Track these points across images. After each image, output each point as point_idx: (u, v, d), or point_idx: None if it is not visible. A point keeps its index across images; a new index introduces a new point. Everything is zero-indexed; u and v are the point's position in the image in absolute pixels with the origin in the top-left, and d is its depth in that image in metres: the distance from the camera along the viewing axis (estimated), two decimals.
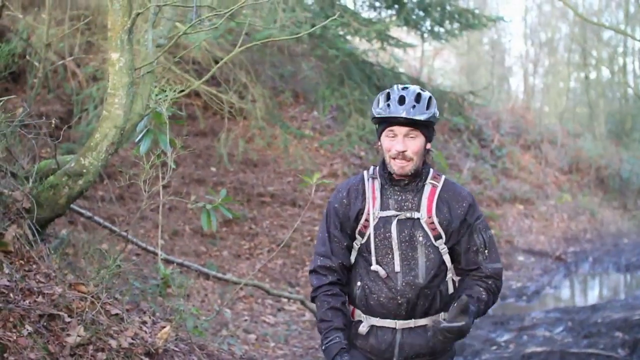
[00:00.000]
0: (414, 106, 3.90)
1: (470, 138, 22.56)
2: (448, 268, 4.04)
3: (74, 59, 13.30)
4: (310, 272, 4.17)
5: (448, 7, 15.58)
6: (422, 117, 3.89)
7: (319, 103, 15.31)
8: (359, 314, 4.08)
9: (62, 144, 11.11)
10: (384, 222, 3.97)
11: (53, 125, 5.85)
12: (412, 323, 4.00)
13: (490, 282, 4.06)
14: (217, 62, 13.58)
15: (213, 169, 14.54)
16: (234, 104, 14.17)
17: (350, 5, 16.22)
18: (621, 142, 32.61)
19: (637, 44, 34.84)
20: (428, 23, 16.03)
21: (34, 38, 12.15)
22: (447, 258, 4.02)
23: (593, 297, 15.84)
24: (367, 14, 16.42)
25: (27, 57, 11.86)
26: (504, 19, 16.95)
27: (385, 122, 3.97)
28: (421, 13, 15.77)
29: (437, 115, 4.01)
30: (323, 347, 4.05)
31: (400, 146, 3.91)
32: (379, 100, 4.02)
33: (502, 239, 17.95)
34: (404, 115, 3.87)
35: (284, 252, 12.42)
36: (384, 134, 3.98)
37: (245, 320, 9.85)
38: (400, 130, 3.92)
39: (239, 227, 13.14)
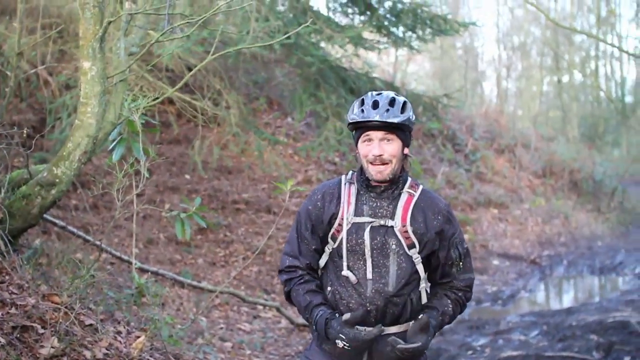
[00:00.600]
0: (387, 110, 3.91)
1: (444, 143, 22.61)
2: (421, 277, 4.04)
3: (46, 68, 13.22)
4: (280, 271, 4.17)
5: (420, 13, 15.60)
6: (395, 120, 3.89)
7: (295, 108, 15.29)
8: None
9: (34, 153, 11.07)
10: (357, 228, 3.96)
11: (25, 135, 5.81)
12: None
13: (460, 294, 4.13)
14: (190, 70, 13.55)
15: (187, 176, 14.49)
16: (208, 111, 14.14)
17: (323, 12, 16.22)
18: (594, 145, 32.87)
19: (609, 48, 35.12)
20: (400, 29, 16.05)
21: (6, 47, 12.08)
22: (420, 267, 4.00)
23: (568, 300, 15.89)
24: (339, 20, 16.43)
25: None
26: (476, 24, 16.96)
27: (361, 128, 3.97)
28: (393, 19, 15.79)
29: (413, 119, 4.02)
30: (313, 326, 4.01)
31: (377, 150, 3.90)
32: (353, 107, 4.02)
33: (476, 243, 18.00)
34: (377, 118, 3.87)
35: (259, 260, 12.39)
36: (360, 140, 3.99)
37: (221, 328, 9.81)
38: (376, 134, 3.92)
39: (214, 235, 13.10)
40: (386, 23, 15.68)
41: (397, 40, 16.08)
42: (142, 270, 9.56)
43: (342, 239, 3.98)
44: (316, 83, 14.50)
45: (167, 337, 6.29)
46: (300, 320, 10.54)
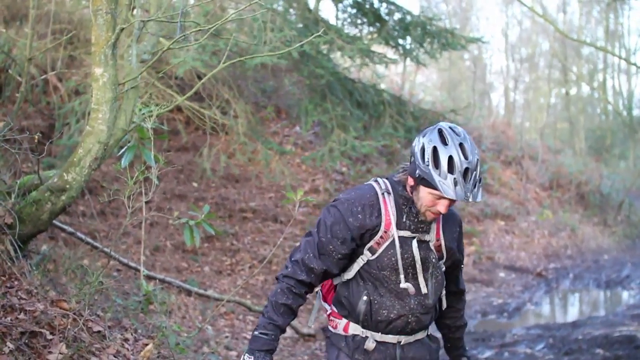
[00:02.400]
0: (475, 185, 3.76)
1: None
2: (443, 285, 4.14)
3: (56, 74, 13.24)
4: (292, 260, 4.07)
5: (428, 27, 15.62)
6: (478, 200, 3.81)
7: (302, 118, 15.30)
8: (355, 328, 4.04)
9: (43, 158, 11.08)
10: (402, 242, 3.93)
11: (36, 140, 5.81)
12: (412, 338, 4.06)
13: (461, 306, 4.40)
14: (200, 78, 13.58)
15: (195, 184, 14.50)
16: (216, 119, 14.16)
17: (333, 23, 16.24)
18: (601, 158, 32.82)
19: (617, 61, 35.10)
20: (408, 42, 16.07)
21: (16, 52, 12.11)
22: (444, 277, 4.13)
23: (574, 313, 15.86)
24: (348, 31, 16.45)
25: (9, 71, 11.81)
26: (483, 39, 16.96)
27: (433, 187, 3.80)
28: (402, 32, 15.81)
29: None
30: (255, 332, 3.96)
31: (444, 209, 3.83)
32: (438, 162, 3.75)
33: (483, 255, 17.98)
34: (470, 200, 3.74)
35: (266, 269, 12.39)
36: (428, 189, 3.80)
37: (227, 337, 9.80)
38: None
39: (221, 243, 13.10)
40: (395, 35, 15.70)
41: (405, 53, 16.10)
42: (149, 278, 9.56)
43: (386, 251, 3.92)
44: (322, 94, 14.51)
45: (174, 345, 6.29)
46: (305, 330, 10.53)
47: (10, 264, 5.34)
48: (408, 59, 17.22)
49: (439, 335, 4.35)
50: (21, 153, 6.32)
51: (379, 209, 3.96)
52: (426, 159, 3.76)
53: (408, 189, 3.94)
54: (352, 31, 16.65)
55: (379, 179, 4.10)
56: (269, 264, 12.27)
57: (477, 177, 3.75)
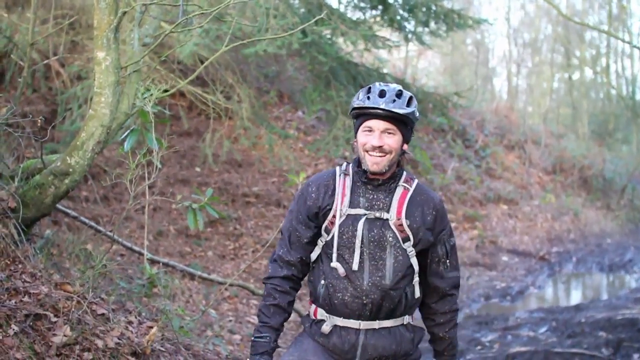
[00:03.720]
0: (394, 100, 3.86)
1: (455, 138, 22.60)
2: (415, 271, 4.02)
3: (58, 59, 13.24)
4: (272, 260, 4.16)
5: (434, 8, 15.55)
6: (401, 111, 3.84)
7: (305, 104, 15.27)
8: (321, 313, 4.06)
9: (45, 143, 11.08)
10: (352, 220, 3.93)
11: (39, 125, 5.81)
12: (376, 324, 3.99)
13: (448, 311, 4.18)
14: (202, 62, 13.56)
15: (198, 169, 14.51)
16: (220, 103, 14.16)
17: (335, 6, 16.18)
18: (604, 142, 32.78)
19: (620, 45, 35.02)
20: (412, 24, 16.00)
21: (18, 37, 12.09)
22: (414, 261, 4.00)
23: (577, 297, 15.89)
24: (352, 14, 16.40)
25: (11, 56, 11.81)
26: (488, 21, 16.90)
27: (363, 116, 3.92)
28: (406, 14, 15.73)
29: (417, 115, 3.97)
30: (253, 337, 4.09)
31: (377, 141, 3.86)
32: (359, 94, 3.97)
33: (486, 239, 17.98)
34: (382, 106, 3.82)
35: (269, 253, 12.37)
36: (360, 129, 3.94)
37: (230, 320, 9.82)
38: (378, 125, 3.87)
39: (224, 228, 13.12)
40: (399, 17, 15.63)
41: (409, 35, 16.04)
42: (152, 262, 9.58)
43: (334, 231, 3.96)
44: (327, 80, 14.46)
45: (178, 328, 6.30)
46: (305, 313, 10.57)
47: (14, 248, 5.35)
48: (411, 43, 17.17)
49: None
50: (24, 137, 6.32)
51: (334, 189, 4.02)
52: (353, 99, 3.98)
53: (357, 151, 4.00)
54: (356, 14, 16.60)
55: (344, 163, 4.15)
56: (272, 248, 12.25)
57: (399, 95, 3.91)
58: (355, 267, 3.91)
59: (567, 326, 10.82)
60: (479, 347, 10.19)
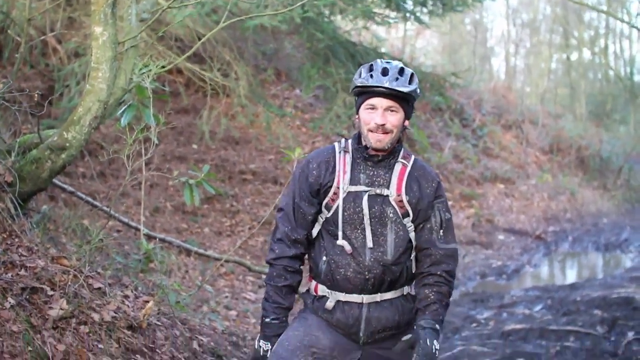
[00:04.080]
0: (397, 78, 3.88)
1: (452, 117, 22.58)
2: (413, 246, 4.06)
3: (55, 35, 13.19)
4: (276, 240, 4.12)
5: None
6: (404, 89, 3.86)
7: (304, 82, 15.23)
8: (323, 289, 4.09)
9: (42, 119, 11.08)
10: (354, 197, 3.96)
11: (36, 99, 5.82)
12: (378, 297, 4.03)
13: (439, 273, 4.04)
14: (200, 39, 13.53)
15: (195, 146, 14.51)
16: (217, 81, 14.14)
17: None
18: (602, 123, 32.79)
19: (619, 26, 34.97)
20: (411, 3, 15.92)
21: (15, 13, 12.05)
22: (412, 236, 4.04)
23: (572, 275, 15.93)
24: None
25: (8, 31, 11.77)
26: None
27: (365, 94, 3.93)
28: None
29: (419, 92, 3.99)
30: (266, 319, 4.09)
31: (380, 119, 3.88)
32: (361, 72, 3.98)
33: (482, 218, 18.01)
34: (386, 85, 3.84)
35: (266, 230, 12.41)
36: (363, 106, 3.96)
37: (226, 297, 9.85)
38: (381, 103, 3.89)
39: (221, 205, 13.14)
40: None
41: (407, 15, 15.97)
42: (149, 238, 9.59)
43: (337, 208, 3.98)
44: (325, 57, 14.41)
45: (174, 303, 6.33)
46: (304, 289, 10.60)
47: (10, 222, 5.37)
48: (409, 22, 17.12)
49: None
50: (21, 112, 6.32)
51: (334, 166, 4.03)
52: (354, 77, 3.99)
53: (358, 127, 4.03)
54: None
55: (343, 139, 4.16)
56: (268, 225, 12.27)
57: (401, 73, 3.92)
58: (369, 244, 3.95)
59: (562, 304, 10.86)
60: (474, 325, 10.23)
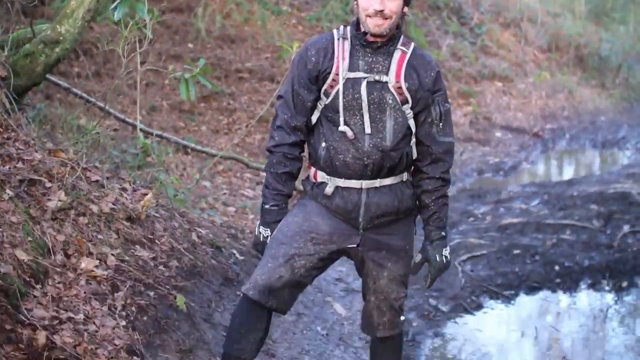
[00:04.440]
0: None
1: (450, 15, 22.33)
2: (412, 132, 4.09)
3: None
4: (276, 127, 4.16)
5: None
6: None
7: None
8: (322, 176, 4.13)
9: (35, 20, 10.95)
10: (353, 83, 3.96)
11: None
12: (377, 183, 4.07)
13: (438, 176, 4.17)
14: None
15: (190, 45, 14.39)
16: None
17: None
18: (601, 22, 32.46)
19: None
20: None
21: None
22: (411, 122, 4.06)
23: (569, 172, 15.97)
24: None
25: None
26: None
27: None
28: None
29: None
30: (265, 206, 4.16)
31: (378, 5, 3.84)
32: None
33: (480, 115, 17.95)
34: None
35: (263, 127, 12.38)
36: None
37: (224, 193, 9.89)
38: None
39: (217, 103, 13.09)
40: None
41: None
42: (146, 134, 9.58)
43: (337, 94, 3.98)
44: None
45: (172, 196, 6.36)
46: (301, 186, 10.64)
47: (5, 116, 5.34)
48: None
49: None
50: (13, 11, 6.25)
51: (333, 52, 4.02)
52: None
53: (357, 14, 3.99)
54: None
55: (342, 26, 4.13)
56: (265, 122, 12.24)
57: None
58: (367, 130, 3.97)
59: (558, 199, 10.90)
60: (471, 219, 10.30)
